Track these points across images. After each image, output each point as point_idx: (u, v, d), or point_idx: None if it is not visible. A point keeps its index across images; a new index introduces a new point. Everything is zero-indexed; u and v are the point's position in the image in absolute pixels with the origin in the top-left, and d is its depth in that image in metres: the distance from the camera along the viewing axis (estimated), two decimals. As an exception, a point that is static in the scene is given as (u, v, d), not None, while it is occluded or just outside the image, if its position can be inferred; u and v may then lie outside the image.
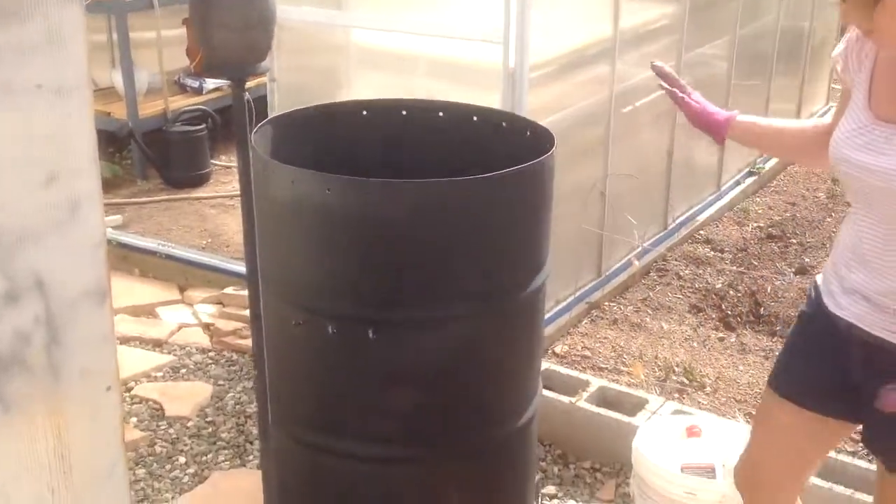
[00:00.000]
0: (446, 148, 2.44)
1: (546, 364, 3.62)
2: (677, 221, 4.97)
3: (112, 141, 5.75)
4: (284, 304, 2.17)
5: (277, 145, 2.29)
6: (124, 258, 4.70)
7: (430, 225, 2.03)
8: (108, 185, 5.52)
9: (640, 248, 4.35)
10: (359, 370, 2.12)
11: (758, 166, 5.84)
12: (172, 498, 3.12)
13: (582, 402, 3.36)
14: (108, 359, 1.39)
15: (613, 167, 4.16)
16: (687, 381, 3.68)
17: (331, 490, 2.24)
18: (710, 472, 2.65)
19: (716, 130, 2.31)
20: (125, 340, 4.04)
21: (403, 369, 2.10)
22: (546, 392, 3.42)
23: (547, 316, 3.93)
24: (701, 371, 3.77)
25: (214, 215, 5.31)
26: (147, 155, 5.61)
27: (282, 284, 2.18)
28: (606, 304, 4.28)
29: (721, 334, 4.13)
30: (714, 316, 4.30)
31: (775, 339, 4.07)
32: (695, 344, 4.03)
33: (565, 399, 3.37)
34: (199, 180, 5.74)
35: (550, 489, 3.19)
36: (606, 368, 3.77)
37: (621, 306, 4.31)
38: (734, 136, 2.30)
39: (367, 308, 2.06)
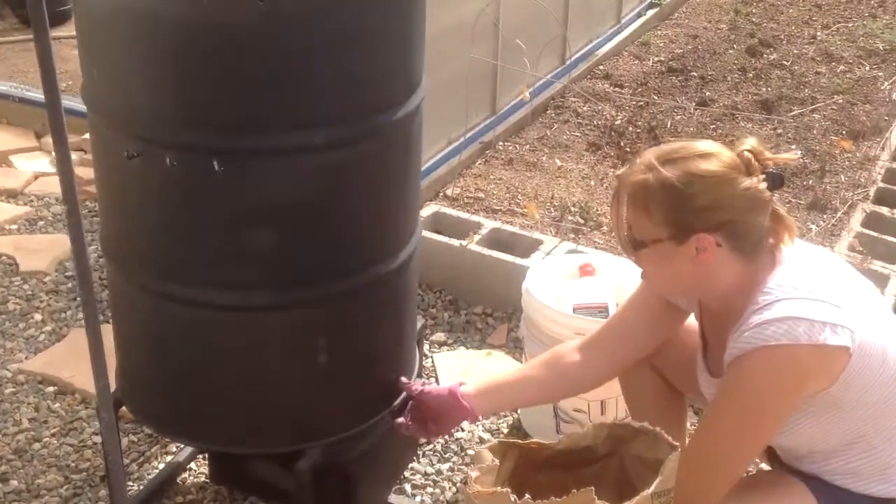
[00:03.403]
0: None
1: (436, 207, 3.40)
2: (576, 56, 4.72)
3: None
4: (115, 133, 1.86)
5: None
6: (-26, 103, 4.25)
7: (280, 32, 1.72)
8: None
9: (535, 82, 4.09)
10: (205, 208, 1.84)
11: (659, -3, 5.59)
12: (26, 358, 2.85)
13: (473, 245, 3.16)
14: None
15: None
16: (583, 221, 3.51)
17: (184, 342, 2.00)
18: (603, 311, 2.49)
19: (463, 414, 2.03)
20: (-26, 191, 3.67)
21: (255, 206, 1.83)
22: (435, 236, 3.21)
23: (438, 157, 3.69)
24: (598, 210, 3.59)
25: (76, 56, 4.83)
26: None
27: (111, 111, 1.86)
28: (501, 143, 4.04)
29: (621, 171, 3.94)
30: (612, 153, 4.12)
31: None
32: (592, 182, 3.84)
33: (455, 242, 3.17)
34: (60, 18, 5.20)
35: (440, 336, 3.02)
36: (500, 210, 3.56)
37: (517, 146, 4.08)
38: (483, 409, 2.06)
39: (210, 135, 1.77)
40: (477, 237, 3.20)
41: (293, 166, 1.81)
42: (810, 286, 1.69)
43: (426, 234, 3.19)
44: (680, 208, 1.69)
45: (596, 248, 3.31)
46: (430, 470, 2.51)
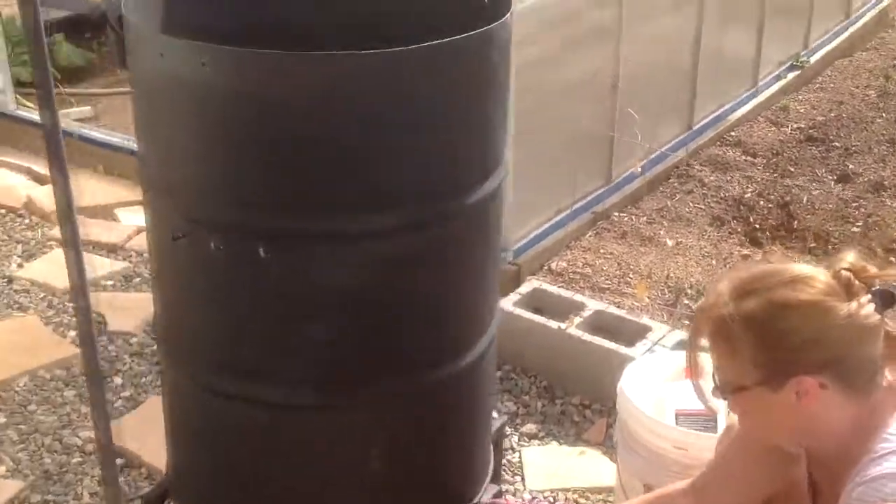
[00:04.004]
0: (386, 15, 1.94)
1: (537, 283, 3.16)
2: (704, 120, 4.41)
3: (86, 25, 5.27)
4: (164, 211, 1.72)
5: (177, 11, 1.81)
6: (90, 153, 4.27)
7: (339, 111, 1.55)
8: (82, 74, 5.06)
9: (655, 150, 3.82)
10: (250, 296, 1.67)
11: (801, 59, 5.21)
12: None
13: (573, 328, 2.90)
14: None
15: (627, 56, 3.60)
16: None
17: (230, 436, 1.83)
18: (710, 420, 2.19)
19: None
20: (75, 245, 3.64)
21: (305, 295, 1.65)
22: (533, 316, 2.97)
23: (544, 227, 3.46)
24: (717, 293, 3.27)
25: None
26: (123, 41, 5.12)
27: (159, 186, 1.72)
28: (616, 214, 3.77)
29: (746, 251, 3.61)
30: (739, 229, 3.78)
31: (808, 256, 3.55)
32: (714, 262, 3.52)
33: (554, 325, 2.91)
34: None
35: (531, 427, 2.76)
36: (608, 289, 3.29)
37: (633, 217, 3.80)
38: None
39: (255, 216, 1.61)
40: (578, 319, 2.94)
41: (344, 254, 1.63)
42: None
43: (523, 313, 2.96)
44: (771, 348, 1.43)
45: (712, 337, 3.00)
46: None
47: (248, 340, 1.72)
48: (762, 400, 1.47)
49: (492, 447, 2.11)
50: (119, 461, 2.61)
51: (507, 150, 1.84)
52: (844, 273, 1.45)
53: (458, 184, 1.70)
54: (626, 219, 3.77)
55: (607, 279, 3.36)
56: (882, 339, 1.44)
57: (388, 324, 1.70)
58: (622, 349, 2.79)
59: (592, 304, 3.03)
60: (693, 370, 1.52)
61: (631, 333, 2.93)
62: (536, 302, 3.10)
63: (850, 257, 1.48)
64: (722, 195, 4.01)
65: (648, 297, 3.19)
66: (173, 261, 1.74)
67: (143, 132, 1.75)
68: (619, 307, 3.09)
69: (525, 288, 3.11)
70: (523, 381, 2.95)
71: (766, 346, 1.44)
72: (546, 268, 3.38)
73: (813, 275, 1.46)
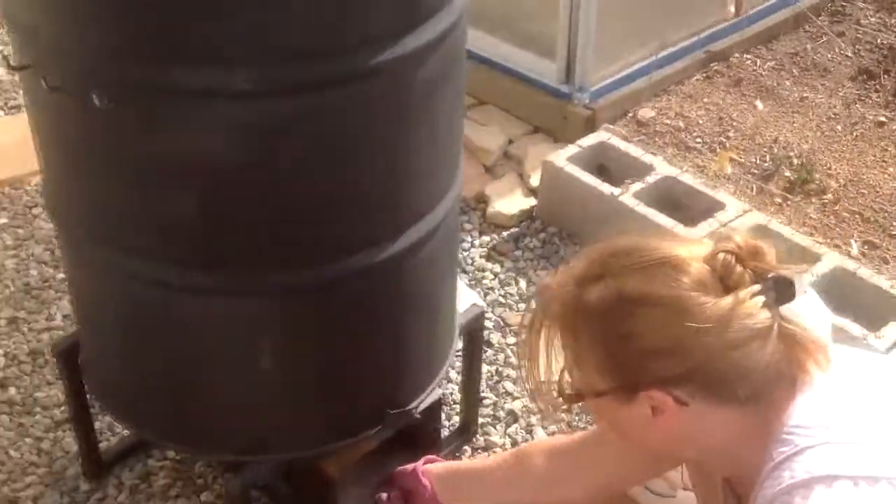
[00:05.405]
0: None
1: (605, 135, 2.68)
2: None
3: None
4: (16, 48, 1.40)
5: None
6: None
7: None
8: None
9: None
10: (93, 154, 1.36)
11: None
12: None
13: (628, 195, 2.45)
14: None
15: None
16: (799, 183, 2.65)
17: (111, 313, 1.58)
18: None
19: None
20: None
21: (160, 158, 1.32)
22: (586, 176, 2.53)
23: (638, 66, 2.94)
24: (828, 167, 2.71)
25: None
26: None
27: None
28: (736, 56, 3.17)
29: (883, 116, 2.97)
30: (889, 86, 3.11)
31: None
32: (839, 128, 2.91)
33: (607, 189, 2.47)
34: None
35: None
36: (695, 149, 2.78)
37: (757, 61, 3.18)
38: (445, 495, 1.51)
39: (92, 61, 1.26)
40: (639, 185, 2.48)
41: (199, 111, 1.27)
42: (847, 418, 1.07)
43: (575, 171, 2.52)
44: (612, 353, 1.07)
45: (804, 223, 2.49)
46: None
47: (109, 208, 1.42)
48: (616, 411, 1.12)
49: (455, 344, 1.77)
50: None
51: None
52: (723, 258, 1.04)
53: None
54: (748, 62, 3.17)
55: (700, 136, 2.84)
56: (775, 341, 1.04)
57: (270, 199, 1.35)
58: (680, 227, 2.34)
59: (663, 168, 2.55)
60: (530, 363, 1.14)
61: (699, 209, 2.46)
62: (599, 158, 2.64)
63: (738, 237, 1.07)
64: (879, 42, 3.29)
65: (732, 167, 2.67)
66: (33, 111, 1.44)
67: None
68: (697, 175, 2.60)
69: (589, 140, 2.65)
70: (566, 249, 2.55)
71: (607, 349, 1.07)
72: (630, 115, 2.88)
73: (689, 258, 1.06)
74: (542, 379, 1.16)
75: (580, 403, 1.17)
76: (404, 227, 1.46)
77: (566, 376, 1.15)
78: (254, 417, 1.56)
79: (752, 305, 1.04)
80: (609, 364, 1.09)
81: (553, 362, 1.16)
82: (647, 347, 1.06)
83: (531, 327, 1.14)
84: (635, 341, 1.06)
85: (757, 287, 1.04)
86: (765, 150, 2.79)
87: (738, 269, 1.05)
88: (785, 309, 1.06)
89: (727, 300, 1.04)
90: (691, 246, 1.10)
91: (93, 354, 1.68)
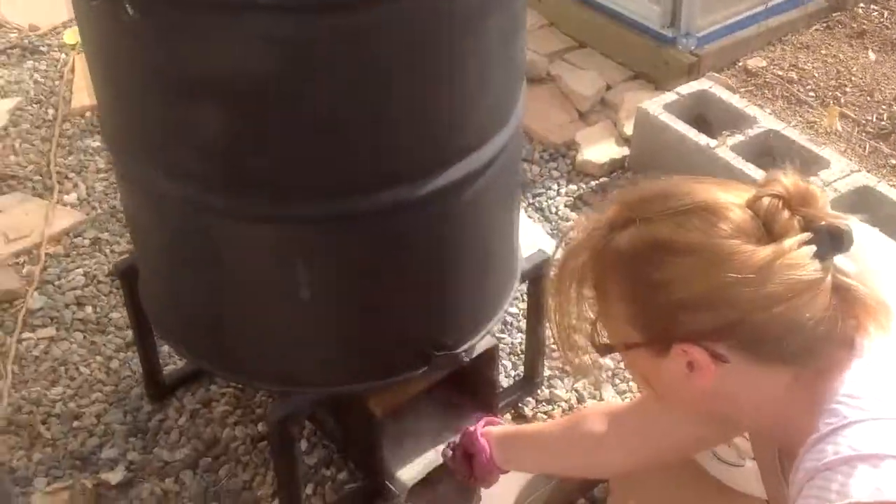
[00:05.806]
0: None
1: (707, 84, 2.53)
2: None
3: None
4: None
5: None
6: None
7: None
8: None
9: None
10: (130, 72, 1.33)
11: None
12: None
13: (724, 147, 2.31)
14: None
15: None
16: (918, 144, 2.45)
17: (151, 233, 1.56)
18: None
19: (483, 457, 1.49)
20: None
21: (194, 74, 1.28)
22: (680, 125, 2.40)
23: (750, 13, 2.77)
24: (953, 131, 2.50)
25: None
26: None
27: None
28: (862, 6, 2.94)
29: None
30: None
31: None
32: (971, 87, 2.68)
33: (703, 140, 2.34)
34: None
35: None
36: (807, 104, 2.60)
37: (884, 13, 2.95)
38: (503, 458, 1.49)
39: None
40: (738, 138, 2.33)
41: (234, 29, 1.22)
42: None
43: (669, 119, 2.39)
44: (642, 302, 0.99)
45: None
46: None
47: (150, 128, 1.39)
48: (649, 366, 1.04)
49: (513, 290, 1.70)
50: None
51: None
52: (769, 202, 0.93)
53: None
54: (874, 13, 2.94)
55: (814, 90, 2.65)
56: (827, 295, 0.94)
57: (301, 123, 1.29)
58: (777, 187, 2.19)
59: (766, 122, 2.40)
60: (559, 310, 1.06)
61: (800, 167, 2.29)
62: (699, 107, 2.50)
63: (786, 179, 0.94)
64: None
65: (846, 125, 2.48)
66: (86, 27, 1.42)
67: None
68: (805, 130, 2.43)
69: (690, 87, 2.51)
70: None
71: (637, 299, 1.00)
72: (739, 65, 2.72)
73: (728, 203, 0.95)
74: (573, 324, 1.09)
75: (611, 354, 1.09)
76: (451, 161, 1.39)
77: (598, 326, 1.07)
78: (294, 349, 1.53)
79: (799, 255, 0.94)
80: (639, 315, 1.01)
81: (584, 310, 1.08)
82: (680, 299, 0.97)
83: (561, 271, 1.07)
84: (666, 292, 0.98)
85: (807, 235, 0.94)
86: (883, 107, 2.58)
87: (786, 214, 0.95)
88: (846, 261, 0.96)
89: (769, 249, 0.94)
90: (734, 190, 1.00)
91: (146, 278, 1.68)
